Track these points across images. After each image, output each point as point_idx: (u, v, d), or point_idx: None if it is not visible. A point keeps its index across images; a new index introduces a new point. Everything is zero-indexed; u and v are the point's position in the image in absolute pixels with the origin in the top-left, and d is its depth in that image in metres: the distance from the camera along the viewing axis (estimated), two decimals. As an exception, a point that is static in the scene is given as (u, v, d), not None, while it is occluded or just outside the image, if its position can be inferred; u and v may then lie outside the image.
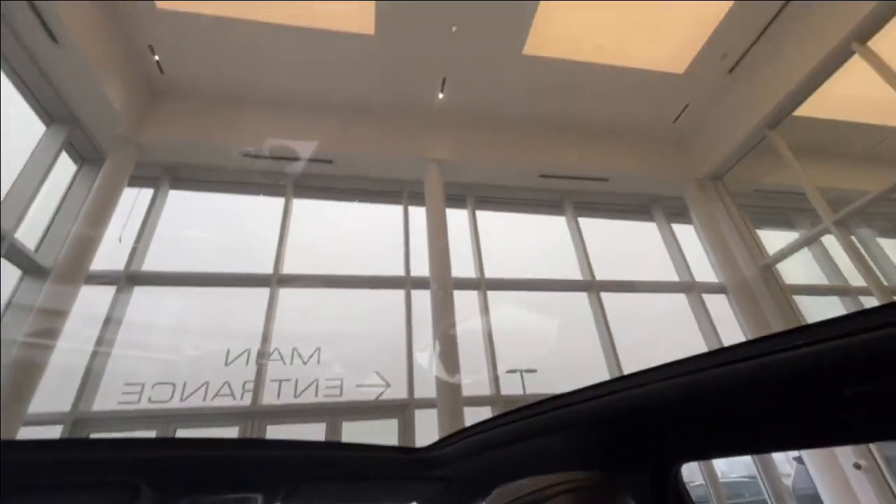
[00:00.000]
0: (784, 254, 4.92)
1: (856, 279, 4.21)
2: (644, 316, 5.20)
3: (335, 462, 0.75)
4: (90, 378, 3.75)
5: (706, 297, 5.27)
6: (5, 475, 0.54)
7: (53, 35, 3.56)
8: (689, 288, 5.33)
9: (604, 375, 4.62)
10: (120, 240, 4.41)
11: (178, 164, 4.98)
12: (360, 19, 4.40)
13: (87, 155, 4.60)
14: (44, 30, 3.50)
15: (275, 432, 3.81)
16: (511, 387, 4.37)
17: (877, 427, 0.40)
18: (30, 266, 3.85)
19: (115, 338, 4.02)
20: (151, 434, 3.64)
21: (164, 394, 3.80)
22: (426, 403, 4.00)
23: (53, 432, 3.47)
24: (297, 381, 4.06)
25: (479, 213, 5.46)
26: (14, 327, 3.49)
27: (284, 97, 5.06)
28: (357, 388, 4.12)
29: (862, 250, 4.21)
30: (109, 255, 4.24)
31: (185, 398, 3.82)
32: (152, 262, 4.49)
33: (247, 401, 3.86)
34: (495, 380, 4.32)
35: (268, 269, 4.56)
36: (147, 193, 4.85)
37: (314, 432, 3.87)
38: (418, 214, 5.12)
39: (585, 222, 5.64)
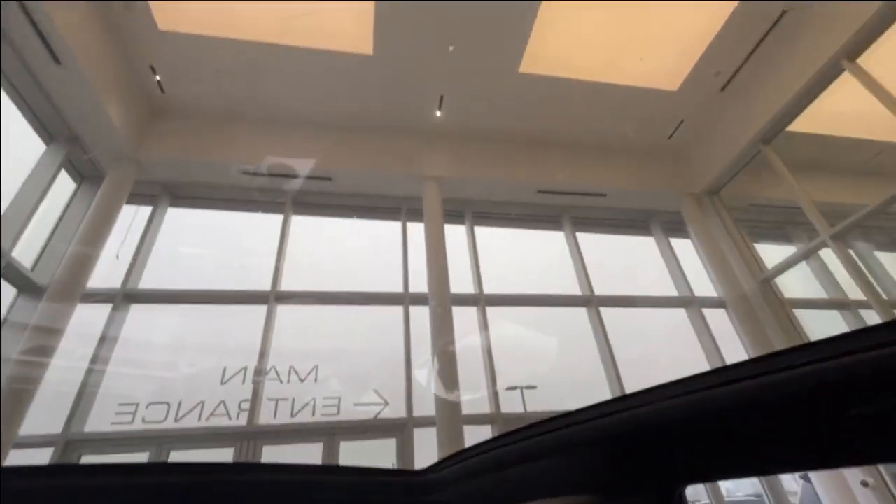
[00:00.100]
0: (782, 268, 4.92)
1: (855, 293, 4.21)
2: (644, 331, 5.17)
3: (330, 487, 0.73)
4: (83, 398, 3.70)
5: (706, 311, 5.25)
6: None
7: (56, 56, 3.61)
8: (689, 303, 5.31)
9: (605, 391, 4.57)
10: (118, 257, 4.40)
11: (178, 182, 5.00)
12: (358, 40, 4.48)
13: (86, 173, 4.62)
14: (47, 50, 3.55)
15: (271, 453, 3.73)
16: (511, 403, 4.31)
17: (884, 448, 0.39)
18: (25, 284, 3.83)
19: (109, 357, 3.97)
20: (144, 456, 3.57)
21: (158, 414, 3.74)
22: (425, 422, 3.94)
23: (44, 455, 3.39)
24: (293, 400, 4.00)
25: (478, 229, 5.48)
26: (7, 346, 3.46)
27: (283, 115, 5.12)
28: (355, 407, 4.06)
29: (860, 264, 4.21)
30: (107, 272, 4.23)
31: (180, 418, 3.75)
32: (150, 279, 4.47)
33: (243, 420, 3.80)
34: (495, 397, 4.26)
35: (266, 285, 4.54)
36: (145, 210, 4.86)
37: (311, 453, 3.80)
38: (417, 230, 5.13)
39: (584, 237, 5.65)
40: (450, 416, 3.78)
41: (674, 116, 5.52)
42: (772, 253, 5.24)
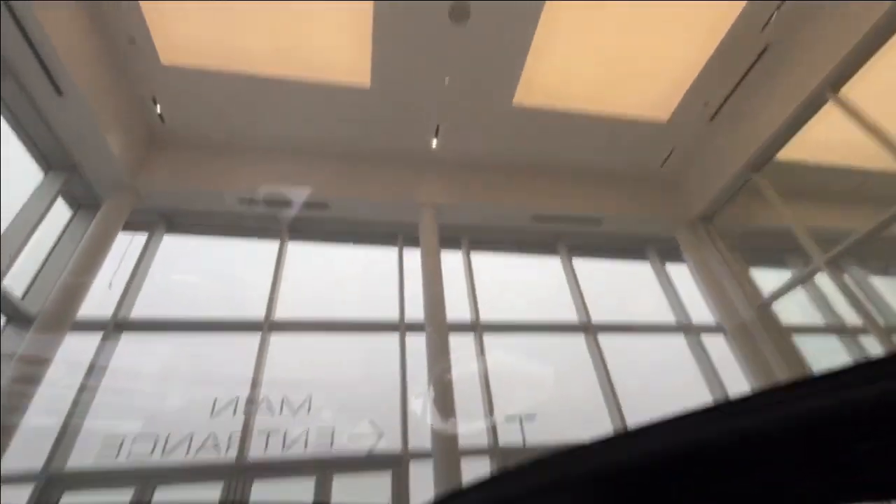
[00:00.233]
0: (777, 294, 4.92)
1: (853, 318, 4.20)
2: (643, 358, 5.11)
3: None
4: (67, 431, 3.58)
5: (705, 338, 5.21)
6: None
7: (58, 87, 3.67)
8: (687, 329, 5.28)
9: (604, 419, 4.47)
10: (110, 286, 4.36)
11: (175, 210, 5.02)
12: (356, 73, 4.60)
13: (83, 201, 4.63)
14: (48, 81, 3.62)
15: (261, 490, 3.60)
16: (510, 434, 4.21)
17: (894, 484, 0.38)
18: (14, 313, 3.77)
19: (97, 388, 3.87)
20: (128, 493, 3.42)
21: (145, 447, 3.61)
22: (422, 454, 3.83)
23: (23, 493, 3.25)
24: (285, 432, 3.89)
25: (475, 256, 5.48)
26: (-8, 378, 3.36)
27: (281, 145, 5.19)
28: (349, 439, 3.95)
29: (855, 289, 4.22)
30: (99, 300, 4.18)
31: (168, 452, 3.63)
32: (143, 307, 4.41)
33: (233, 453, 3.67)
34: (493, 429, 4.16)
35: (260, 313, 4.49)
36: (140, 238, 4.85)
37: (303, 489, 3.66)
38: (414, 256, 5.13)
39: (580, 263, 5.66)
40: (447, 448, 3.68)
41: (665, 145, 5.63)
42: (769, 278, 5.26)
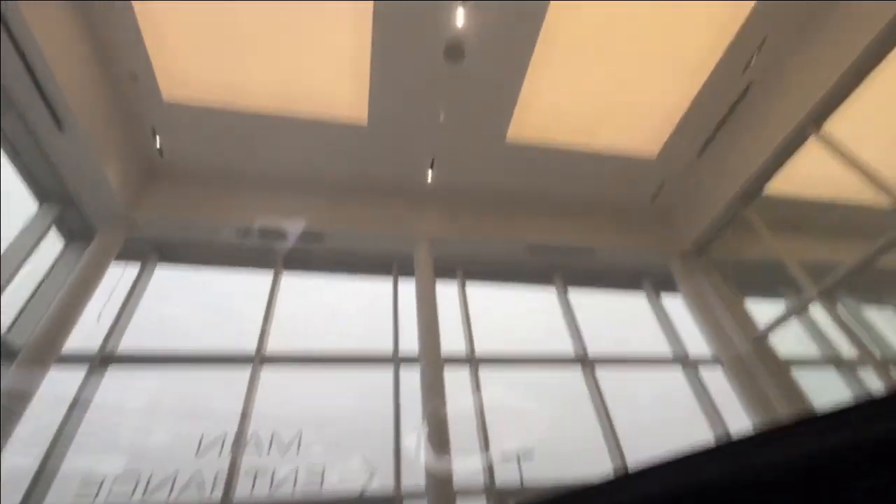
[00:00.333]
0: (773, 326, 4.92)
1: (849, 350, 4.19)
2: (641, 390, 5.04)
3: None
4: (45, 470, 3.42)
5: (703, 370, 5.16)
6: None
7: (60, 121, 3.73)
8: (684, 362, 5.23)
9: (603, 455, 4.34)
10: (99, 318, 4.28)
11: (169, 240, 5.00)
12: (355, 109, 4.72)
13: (76, 232, 4.61)
14: (50, 115, 3.67)
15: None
16: (507, 471, 4.07)
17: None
18: (-1, 346, 3.68)
19: (79, 424, 3.73)
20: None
21: (126, 487, 3.45)
22: (415, 494, 3.68)
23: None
24: (273, 472, 3.74)
25: (470, 288, 5.47)
26: (-30, 414, 3.24)
27: (278, 179, 5.25)
28: (340, 478, 3.80)
29: (850, 321, 4.23)
30: (88, 333, 4.09)
31: (150, 492, 3.47)
32: (133, 340, 4.32)
33: (218, 494, 3.51)
34: (490, 468, 4.03)
35: (252, 346, 4.41)
36: (133, 269, 4.80)
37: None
38: (409, 288, 5.11)
39: (576, 296, 5.65)
40: (441, 488, 3.55)
41: (655, 179, 5.76)
42: (764, 309, 5.26)
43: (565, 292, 5.62)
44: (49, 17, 3.40)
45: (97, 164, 4.07)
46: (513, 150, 5.22)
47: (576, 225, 5.80)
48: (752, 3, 4.22)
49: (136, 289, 4.65)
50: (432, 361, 4.27)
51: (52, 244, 4.44)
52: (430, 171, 5.38)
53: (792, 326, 4.88)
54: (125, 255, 4.70)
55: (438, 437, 3.77)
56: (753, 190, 5.12)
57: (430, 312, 4.65)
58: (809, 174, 4.85)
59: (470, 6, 3.99)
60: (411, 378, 4.33)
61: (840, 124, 4.38)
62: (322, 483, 3.74)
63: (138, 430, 3.86)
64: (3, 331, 3.70)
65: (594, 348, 5.08)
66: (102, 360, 4.06)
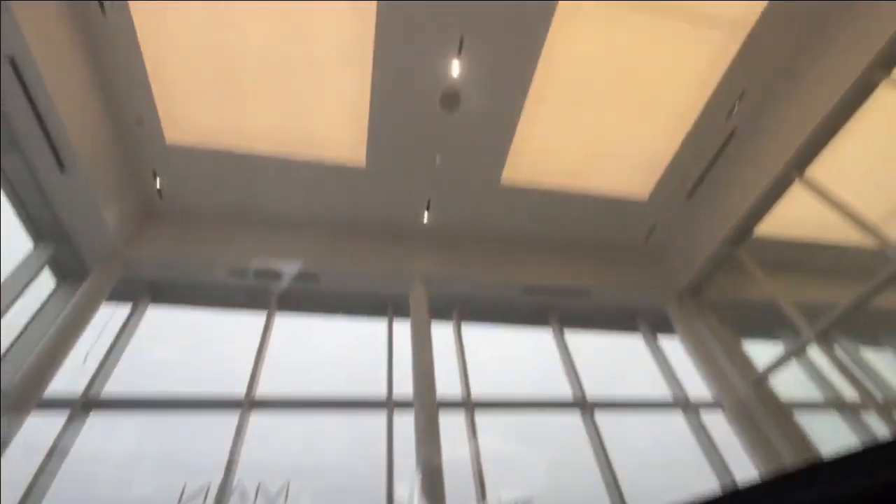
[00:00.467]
0: (772, 368, 4.87)
1: (850, 392, 4.12)
2: (641, 434, 4.88)
3: None
4: (15, 527, 3.21)
5: (704, 414, 5.03)
6: None
7: (62, 162, 3.78)
8: (685, 406, 5.11)
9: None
10: (85, 360, 4.16)
11: (162, 280, 4.96)
12: (353, 152, 4.85)
13: (69, 271, 4.57)
14: (54, 157, 3.73)
15: None
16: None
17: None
18: (-22, 390, 3.54)
19: (55, 474, 3.53)
20: None
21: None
22: (408, 551, 3.47)
23: None
24: (259, 526, 3.53)
25: (465, 328, 5.40)
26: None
27: (275, 220, 5.29)
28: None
29: (849, 363, 4.19)
30: (72, 376, 3.96)
31: (125, 551, 3.24)
32: (119, 383, 4.18)
33: (198, 552, 3.29)
34: (486, 518, 3.83)
35: (241, 389, 4.27)
36: (124, 309, 4.73)
37: None
38: (404, 330, 5.04)
39: (572, 336, 5.59)
40: (436, 542, 3.35)
41: (647, 221, 5.86)
42: (761, 350, 5.22)
43: (562, 333, 5.57)
44: (61, 62, 3.53)
45: (96, 206, 4.10)
46: (508, 193, 5.33)
47: (571, 266, 5.83)
48: (731, 57, 4.47)
49: (126, 330, 4.55)
50: (427, 406, 4.15)
51: (45, 284, 4.38)
52: (426, 213, 5.46)
53: (791, 368, 4.82)
54: (117, 295, 4.64)
55: (432, 486, 3.60)
56: (744, 231, 5.21)
57: (426, 355, 4.57)
58: (798, 216, 4.96)
59: (465, 58, 4.20)
60: (405, 423, 4.20)
61: (823, 169, 4.54)
62: (310, 538, 3.52)
63: (116, 481, 3.66)
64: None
65: (592, 391, 4.97)
66: (84, 405, 3.91)
